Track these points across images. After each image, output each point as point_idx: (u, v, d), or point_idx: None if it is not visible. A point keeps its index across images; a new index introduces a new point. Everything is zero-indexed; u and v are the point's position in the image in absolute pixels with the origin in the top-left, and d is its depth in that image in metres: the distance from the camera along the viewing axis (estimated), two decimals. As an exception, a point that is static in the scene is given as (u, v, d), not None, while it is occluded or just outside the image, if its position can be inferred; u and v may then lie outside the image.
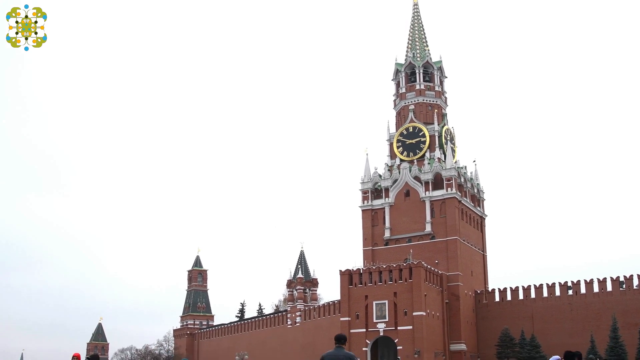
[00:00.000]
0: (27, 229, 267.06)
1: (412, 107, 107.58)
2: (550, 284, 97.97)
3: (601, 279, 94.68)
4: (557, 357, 20.07)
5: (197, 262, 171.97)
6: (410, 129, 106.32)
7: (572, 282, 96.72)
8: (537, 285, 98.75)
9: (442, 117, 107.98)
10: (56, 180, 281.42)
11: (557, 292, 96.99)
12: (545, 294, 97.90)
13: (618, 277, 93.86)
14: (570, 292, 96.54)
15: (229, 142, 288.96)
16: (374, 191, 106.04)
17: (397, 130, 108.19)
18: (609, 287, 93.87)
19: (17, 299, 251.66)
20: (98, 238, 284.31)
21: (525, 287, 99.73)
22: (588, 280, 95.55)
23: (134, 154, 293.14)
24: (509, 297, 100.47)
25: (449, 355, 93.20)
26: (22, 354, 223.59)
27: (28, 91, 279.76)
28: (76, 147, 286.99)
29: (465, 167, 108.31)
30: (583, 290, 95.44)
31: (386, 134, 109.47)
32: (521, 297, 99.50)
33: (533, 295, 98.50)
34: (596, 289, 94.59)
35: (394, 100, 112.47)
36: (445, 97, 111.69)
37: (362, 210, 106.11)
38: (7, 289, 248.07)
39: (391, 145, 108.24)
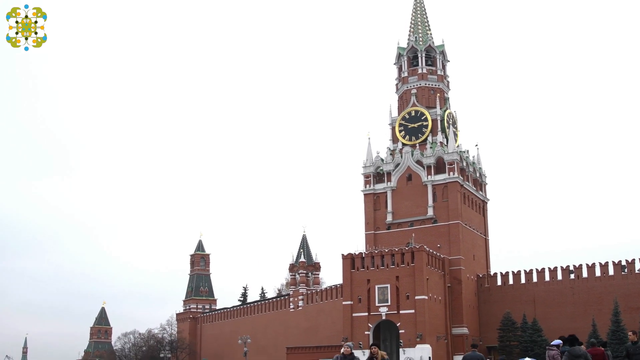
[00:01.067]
0: (30, 214, 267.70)
1: (414, 91, 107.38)
2: (552, 268, 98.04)
3: (603, 263, 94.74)
4: (559, 341, 20.04)
5: (200, 246, 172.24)
6: (413, 113, 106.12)
7: (574, 266, 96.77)
8: (539, 269, 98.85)
9: (445, 101, 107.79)
10: (61, 166, 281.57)
11: (559, 276, 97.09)
12: (547, 278, 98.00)
13: (620, 262, 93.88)
14: (572, 276, 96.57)
15: (232, 126, 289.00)
16: (376, 175, 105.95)
17: (399, 114, 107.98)
18: (611, 271, 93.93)
19: (21, 282, 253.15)
20: (101, 223, 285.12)
21: (527, 271, 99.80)
22: (590, 265, 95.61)
23: (137, 140, 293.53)
24: (511, 281, 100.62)
25: (450, 339, 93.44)
26: (25, 338, 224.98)
27: (39, 80, 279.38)
28: (80, 134, 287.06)
29: (468, 151, 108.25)
30: (585, 274, 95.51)
31: (388, 118, 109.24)
32: (523, 281, 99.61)
33: (535, 279, 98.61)
34: (598, 273, 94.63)
35: (396, 84, 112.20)
36: (448, 81, 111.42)
37: (364, 195, 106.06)
38: (11, 273, 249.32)
39: (393, 129, 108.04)
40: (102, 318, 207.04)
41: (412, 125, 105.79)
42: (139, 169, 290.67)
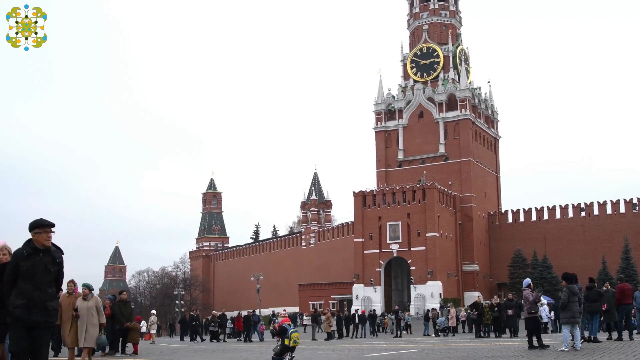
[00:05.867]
0: (47, 153, 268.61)
1: (426, 27, 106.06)
2: (563, 206, 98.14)
3: (614, 201, 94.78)
4: (529, 280, 20.43)
5: (212, 184, 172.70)
6: (424, 50, 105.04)
7: (585, 203, 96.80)
8: (550, 207, 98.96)
9: (456, 37, 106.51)
10: (77, 108, 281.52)
11: (570, 214, 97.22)
12: (558, 215, 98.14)
13: (631, 199, 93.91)
14: (583, 213, 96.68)
15: (243, 64, 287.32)
16: (388, 112, 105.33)
17: (410, 51, 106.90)
18: (622, 209, 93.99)
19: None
20: (114, 162, 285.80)
21: (538, 208, 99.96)
22: (601, 202, 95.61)
23: (150, 79, 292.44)
24: (521, 219, 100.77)
25: (461, 275, 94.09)
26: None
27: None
28: (100, 78, 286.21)
29: (480, 87, 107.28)
30: (596, 211, 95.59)
31: (399, 54, 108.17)
32: (534, 218, 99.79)
33: (546, 216, 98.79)
34: (609, 210, 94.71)
35: (408, 20, 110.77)
36: (460, 17, 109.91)
37: (376, 132, 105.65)
38: (27, 212, 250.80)
39: (405, 66, 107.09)
40: (117, 257, 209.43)
41: (424, 61, 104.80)
42: (148, 109, 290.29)
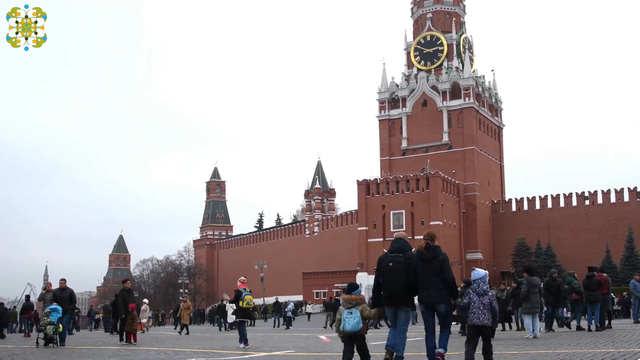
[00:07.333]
0: (52, 143, 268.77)
1: (429, 15, 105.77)
2: (567, 194, 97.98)
3: (618, 190, 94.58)
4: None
5: (215, 173, 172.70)
6: (428, 38, 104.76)
7: (589, 192, 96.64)
8: (554, 195, 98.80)
9: (460, 25, 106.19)
10: (84, 96, 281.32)
11: (574, 202, 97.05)
12: (562, 203, 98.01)
13: (635, 188, 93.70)
14: (587, 202, 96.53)
15: (247, 55, 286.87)
16: (391, 101, 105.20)
17: (414, 39, 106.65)
18: (626, 198, 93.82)
19: (43, 211, 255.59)
20: (119, 151, 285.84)
21: (542, 197, 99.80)
22: (605, 191, 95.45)
23: (157, 66, 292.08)
24: (525, 207, 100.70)
25: (465, 264, 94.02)
26: (46, 266, 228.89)
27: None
28: (95, 65, 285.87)
29: (483, 76, 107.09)
30: (600, 200, 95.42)
31: (403, 42, 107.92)
32: (538, 207, 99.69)
33: (550, 205, 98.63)
34: (613, 199, 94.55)
35: (411, 9, 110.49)
36: (464, 5, 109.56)
37: (379, 120, 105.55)
38: (33, 202, 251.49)
39: (408, 54, 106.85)
40: (121, 245, 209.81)
41: (428, 50, 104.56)
42: (154, 97, 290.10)
